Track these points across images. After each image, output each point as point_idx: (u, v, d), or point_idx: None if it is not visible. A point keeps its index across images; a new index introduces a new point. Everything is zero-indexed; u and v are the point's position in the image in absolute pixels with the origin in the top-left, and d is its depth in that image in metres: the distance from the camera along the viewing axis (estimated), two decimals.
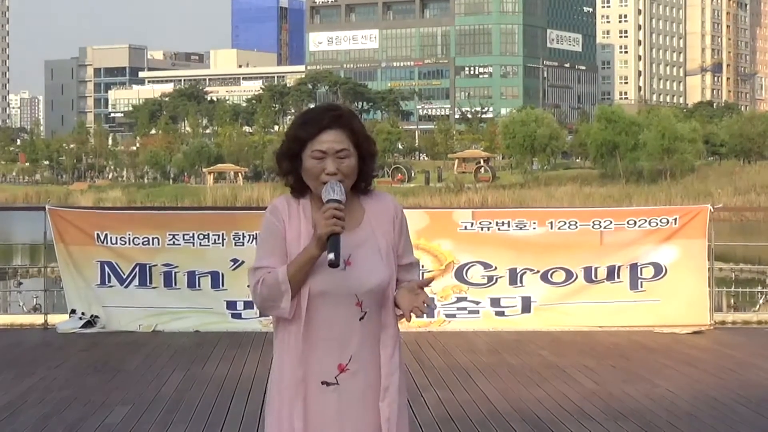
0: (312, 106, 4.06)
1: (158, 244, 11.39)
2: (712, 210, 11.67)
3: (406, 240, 3.70)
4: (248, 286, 3.75)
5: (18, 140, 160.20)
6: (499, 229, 11.52)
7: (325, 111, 3.61)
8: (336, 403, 3.54)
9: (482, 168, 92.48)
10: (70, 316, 11.43)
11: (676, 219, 11.55)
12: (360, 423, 3.56)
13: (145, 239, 11.39)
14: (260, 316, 11.37)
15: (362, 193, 3.65)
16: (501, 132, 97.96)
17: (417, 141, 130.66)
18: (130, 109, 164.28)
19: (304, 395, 3.54)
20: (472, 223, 11.54)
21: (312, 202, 3.60)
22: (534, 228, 11.54)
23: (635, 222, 11.55)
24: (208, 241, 11.41)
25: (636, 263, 11.47)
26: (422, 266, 10.70)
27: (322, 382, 3.54)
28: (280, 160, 3.62)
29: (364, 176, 3.61)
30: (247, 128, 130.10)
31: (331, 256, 3.42)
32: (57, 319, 11.59)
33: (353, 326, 3.55)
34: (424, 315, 3.63)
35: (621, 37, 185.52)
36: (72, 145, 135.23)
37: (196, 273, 11.39)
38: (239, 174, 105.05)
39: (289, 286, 3.51)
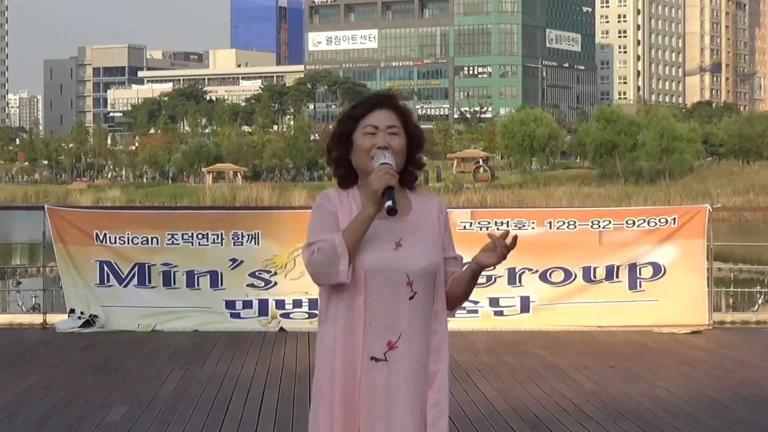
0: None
1: (157, 243, 11.39)
2: (711, 210, 11.67)
3: (450, 236, 3.85)
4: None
5: (17, 140, 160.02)
6: (498, 228, 11.52)
7: (375, 94, 3.87)
8: (385, 379, 3.65)
9: (481, 168, 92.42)
10: (69, 316, 11.43)
11: (675, 219, 11.55)
12: (407, 402, 3.65)
13: (144, 239, 11.40)
14: (259, 315, 11.38)
15: (409, 189, 3.80)
16: (500, 132, 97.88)
17: None
18: (129, 108, 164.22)
19: (357, 369, 3.64)
20: (471, 223, 11.55)
21: (360, 191, 3.73)
22: (533, 228, 11.55)
23: (634, 222, 11.56)
24: (207, 241, 11.42)
25: (635, 263, 11.48)
26: None
27: (371, 358, 3.65)
28: (331, 146, 3.80)
29: (412, 161, 3.78)
30: (246, 128, 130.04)
31: (389, 203, 3.57)
32: (56, 319, 11.59)
33: (403, 305, 3.67)
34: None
35: (620, 37, 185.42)
36: (71, 145, 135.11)
37: (195, 272, 11.39)
38: (238, 174, 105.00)
39: (345, 248, 3.59)
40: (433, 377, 3.71)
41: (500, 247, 3.65)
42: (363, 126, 3.73)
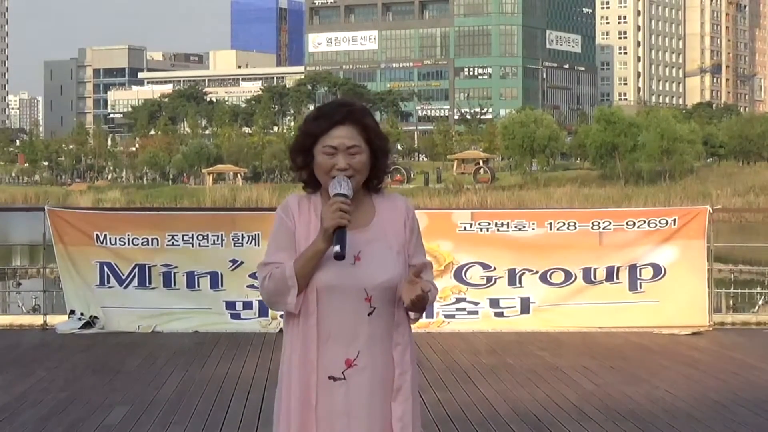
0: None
1: (157, 244, 11.39)
2: (711, 211, 11.67)
3: (417, 241, 3.68)
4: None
5: (17, 141, 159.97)
6: (498, 229, 11.52)
7: (337, 106, 3.62)
8: (343, 398, 3.53)
9: (481, 169, 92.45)
10: (69, 317, 11.43)
11: (675, 220, 11.55)
12: (367, 419, 3.55)
13: (144, 240, 11.40)
14: (259, 316, 11.39)
15: (374, 192, 3.66)
16: (500, 133, 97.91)
17: (416, 142, 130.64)
18: (130, 109, 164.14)
19: (313, 390, 3.54)
20: (471, 224, 11.54)
21: (323, 198, 3.60)
22: (533, 229, 11.55)
23: (634, 223, 11.56)
24: (207, 242, 11.41)
25: (635, 264, 11.48)
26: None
27: (329, 377, 3.54)
28: (293, 155, 3.66)
29: (376, 173, 3.62)
30: (246, 129, 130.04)
31: (337, 248, 3.43)
32: (56, 320, 11.60)
33: (361, 321, 3.54)
34: (426, 307, 3.57)
35: (620, 38, 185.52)
36: (71, 146, 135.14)
37: (195, 273, 11.39)
38: (238, 175, 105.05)
39: (296, 281, 3.50)
40: (398, 390, 3.59)
41: (419, 288, 3.46)
42: (322, 144, 3.55)
